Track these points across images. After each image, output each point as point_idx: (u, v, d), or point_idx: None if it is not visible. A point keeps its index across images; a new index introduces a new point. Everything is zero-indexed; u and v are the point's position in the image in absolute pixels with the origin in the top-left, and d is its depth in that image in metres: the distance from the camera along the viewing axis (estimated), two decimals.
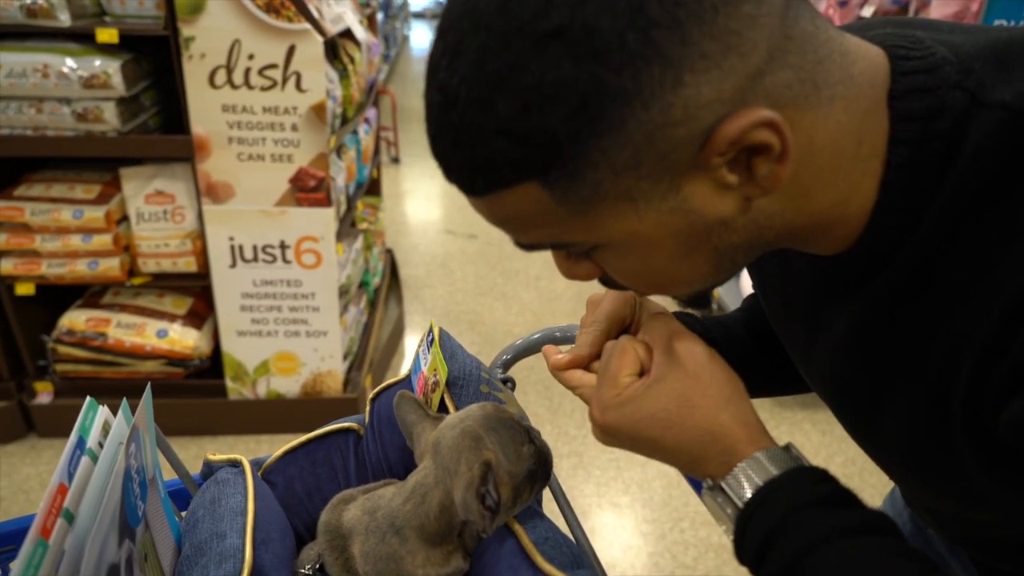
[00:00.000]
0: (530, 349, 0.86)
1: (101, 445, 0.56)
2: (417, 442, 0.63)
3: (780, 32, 0.40)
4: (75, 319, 2.18)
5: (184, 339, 2.21)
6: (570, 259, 0.51)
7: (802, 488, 0.47)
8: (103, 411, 0.58)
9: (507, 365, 0.84)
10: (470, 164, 0.42)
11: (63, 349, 2.19)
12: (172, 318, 2.23)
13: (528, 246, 0.49)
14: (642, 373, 0.54)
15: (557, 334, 0.84)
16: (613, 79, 0.38)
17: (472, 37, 0.39)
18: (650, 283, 0.50)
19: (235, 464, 0.71)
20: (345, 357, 2.37)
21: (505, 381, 0.81)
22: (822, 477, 0.48)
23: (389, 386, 0.78)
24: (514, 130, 0.39)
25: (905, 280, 0.46)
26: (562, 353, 0.63)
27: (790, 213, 0.45)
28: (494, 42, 0.38)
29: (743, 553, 0.48)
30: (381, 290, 3.02)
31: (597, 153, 0.40)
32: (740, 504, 0.48)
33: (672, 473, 2.25)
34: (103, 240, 2.07)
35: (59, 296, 2.25)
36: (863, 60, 0.44)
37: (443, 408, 0.70)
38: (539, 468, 0.60)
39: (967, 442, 0.44)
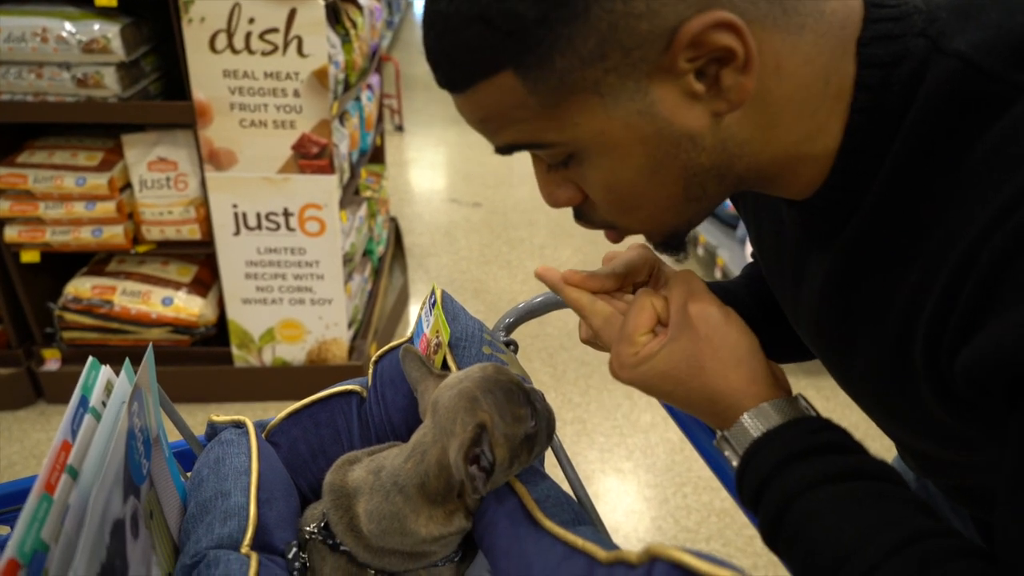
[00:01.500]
0: (533, 312, 0.85)
1: (104, 404, 0.56)
2: (421, 399, 0.63)
3: None
4: (81, 287, 2.19)
5: (189, 307, 2.22)
6: (551, 176, 0.52)
7: (800, 436, 0.48)
8: (106, 371, 0.58)
9: (510, 328, 0.84)
10: (453, 54, 0.45)
11: (69, 316, 2.21)
12: (177, 286, 2.24)
13: (507, 148, 0.50)
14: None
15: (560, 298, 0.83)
16: None
17: None
18: (623, 202, 0.50)
19: (239, 425, 0.71)
20: (350, 325, 2.37)
21: (508, 344, 0.81)
22: (823, 426, 0.49)
23: (392, 348, 0.78)
24: (491, 15, 0.42)
25: (870, 227, 0.47)
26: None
27: (758, 143, 0.47)
28: None
29: (744, 498, 0.50)
30: (385, 258, 3.01)
31: (564, 40, 0.42)
32: (741, 452, 0.50)
33: (675, 439, 2.27)
34: (107, 207, 2.06)
35: (65, 264, 2.26)
36: (836, 0, 0.45)
37: (445, 369, 0.70)
38: (539, 431, 0.60)
39: (930, 387, 0.45)
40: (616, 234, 0.57)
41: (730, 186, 0.49)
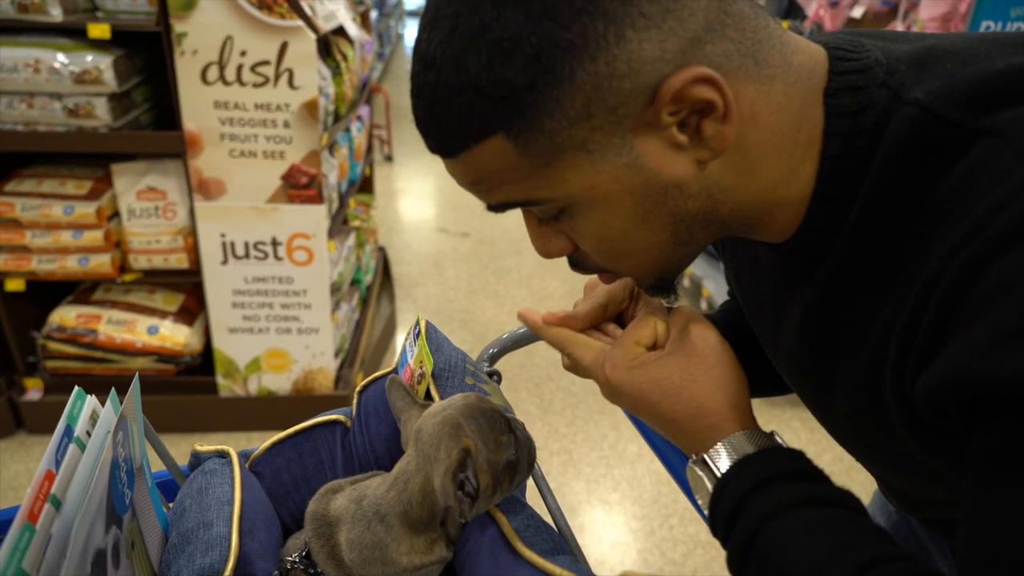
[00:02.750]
0: (517, 343, 0.87)
1: (89, 434, 0.57)
2: (404, 428, 0.64)
3: (718, 7, 0.44)
4: (65, 315, 2.18)
5: (175, 336, 2.21)
6: (543, 228, 0.54)
7: (776, 462, 0.50)
8: (91, 400, 0.59)
9: (493, 359, 0.85)
10: (445, 123, 0.47)
11: (53, 345, 2.19)
12: (163, 315, 2.23)
13: (499, 207, 0.52)
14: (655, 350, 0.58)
15: None
16: (562, 33, 0.42)
17: (447, 6, 0.45)
18: (615, 251, 0.52)
19: (223, 455, 0.71)
20: (337, 354, 2.37)
21: (491, 374, 0.82)
22: (794, 456, 0.51)
23: (376, 379, 0.79)
24: (481, 84, 0.44)
25: (841, 267, 0.50)
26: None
27: (740, 188, 0.49)
28: (465, 7, 0.44)
29: (716, 524, 0.51)
30: (373, 288, 3.02)
31: (552, 103, 0.44)
32: (717, 475, 0.51)
33: (661, 470, 2.27)
34: (94, 236, 2.07)
35: (50, 292, 2.25)
36: (802, 53, 0.48)
37: (429, 399, 0.71)
38: (520, 459, 0.60)
39: (899, 416, 0.47)
40: (610, 277, 0.59)
41: (716, 230, 0.52)
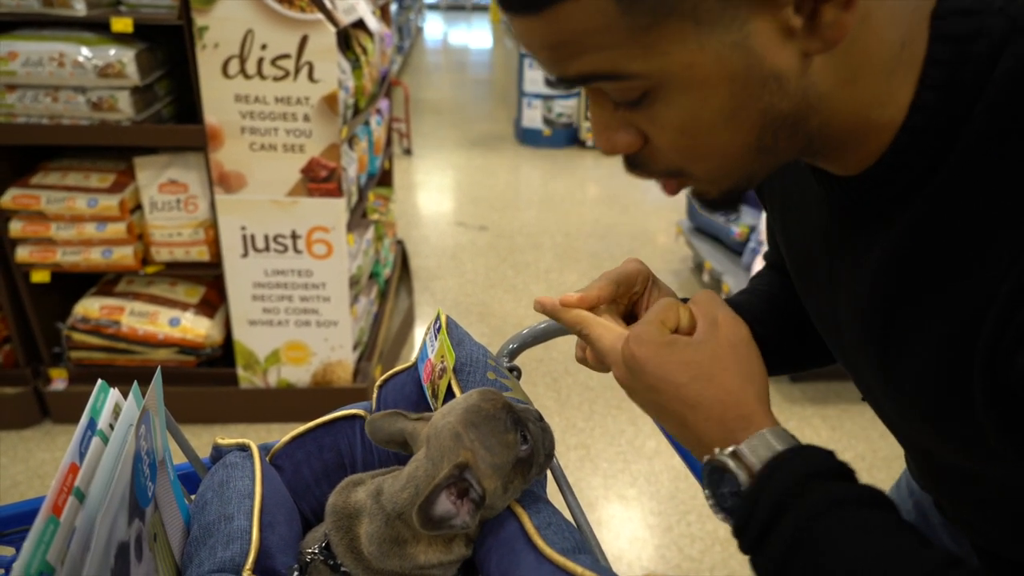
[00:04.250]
0: (537, 338, 0.86)
1: (112, 427, 0.57)
2: (413, 441, 0.63)
3: None
4: (89, 307, 2.21)
5: (196, 328, 2.23)
6: (614, 116, 0.48)
7: (815, 460, 0.48)
8: (114, 394, 0.59)
9: (513, 354, 0.85)
10: None
11: (77, 336, 2.22)
12: (184, 307, 2.25)
13: (576, 79, 0.46)
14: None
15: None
16: None
17: None
18: (694, 148, 0.47)
19: (244, 448, 0.72)
20: (355, 347, 2.38)
21: (511, 370, 0.81)
22: (831, 454, 0.49)
23: (396, 373, 0.79)
24: None
25: (936, 211, 0.45)
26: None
27: (835, 99, 0.45)
28: None
29: (749, 520, 0.48)
30: (392, 281, 3.03)
31: None
32: (754, 469, 0.48)
33: (679, 466, 2.26)
34: (117, 228, 2.09)
35: (74, 284, 2.28)
36: None
37: (450, 394, 0.71)
38: (536, 450, 0.60)
39: (982, 388, 0.43)
40: (676, 183, 0.53)
41: (800, 143, 0.47)
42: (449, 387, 0.71)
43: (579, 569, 0.49)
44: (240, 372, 2.31)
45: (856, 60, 0.44)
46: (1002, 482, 0.54)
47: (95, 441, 0.53)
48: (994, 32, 0.42)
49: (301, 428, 0.76)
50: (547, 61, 0.45)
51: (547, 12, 0.42)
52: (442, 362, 0.71)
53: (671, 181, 0.52)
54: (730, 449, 0.50)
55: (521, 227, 4.12)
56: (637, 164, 0.51)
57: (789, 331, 0.75)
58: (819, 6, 0.40)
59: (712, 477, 0.51)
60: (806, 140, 0.47)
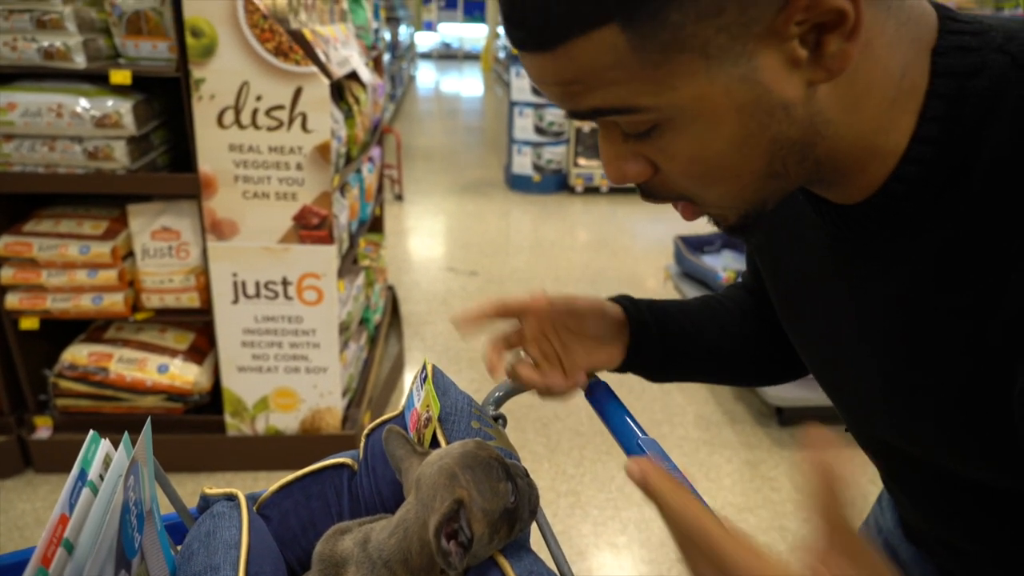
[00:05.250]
0: (522, 387, 0.87)
1: (102, 478, 0.58)
2: (405, 477, 0.65)
3: None
4: (77, 353, 2.20)
5: (184, 374, 2.23)
6: (624, 147, 0.49)
7: None
8: (105, 444, 0.60)
9: (499, 402, 0.86)
10: (551, 6, 0.42)
11: (64, 383, 2.21)
12: (173, 353, 2.25)
13: (589, 113, 0.47)
14: None
15: None
16: None
17: None
18: (707, 174, 0.48)
19: (231, 498, 0.72)
20: (344, 394, 2.38)
21: (496, 418, 0.82)
22: None
23: (383, 422, 0.80)
24: None
25: (954, 244, 0.46)
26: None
27: (841, 125, 0.46)
28: None
29: None
30: (382, 327, 3.04)
31: None
32: None
33: None
34: (108, 275, 2.10)
35: (62, 330, 2.28)
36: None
37: (435, 443, 0.72)
38: (520, 506, 0.61)
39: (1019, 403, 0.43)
40: (692, 209, 0.53)
41: (808, 169, 0.49)
42: (434, 436, 0.72)
43: None
44: (228, 419, 2.29)
45: (859, 87, 0.45)
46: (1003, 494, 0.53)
47: (85, 492, 0.54)
48: (994, 69, 0.43)
49: (289, 477, 0.77)
50: (559, 96, 0.46)
51: (559, 49, 0.43)
52: (427, 411, 0.73)
53: (688, 207, 0.53)
54: None
55: (511, 272, 4.16)
56: (649, 192, 0.52)
57: (765, 344, 0.78)
58: (823, 37, 0.42)
59: None
60: (814, 165, 0.48)
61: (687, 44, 0.42)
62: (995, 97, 0.43)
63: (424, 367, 0.77)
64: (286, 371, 2.25)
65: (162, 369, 2.21)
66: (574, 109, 0.47)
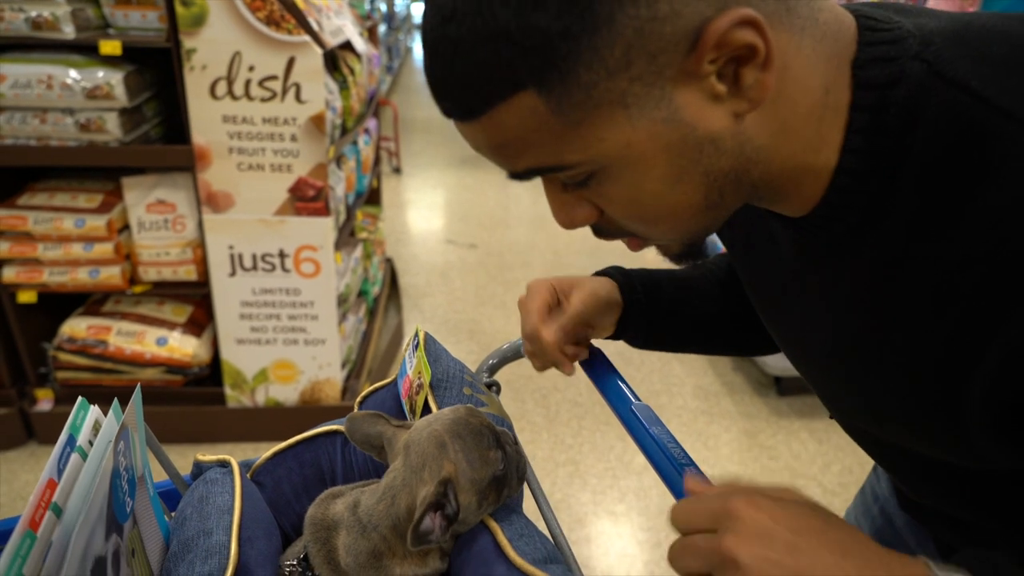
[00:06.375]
0: (517, 354, 0.87)
1: (91, 443, 0.58)
2: (389, 447, 0.64)
3: None
4: (76, 327, 2.21)
5: (183, 347, 2.23)
6: (567, 196, 0.51)
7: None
8: (94, 410, 0.60)
9: (493, 370, 0.86)
10: (467, 79, 0.43)
11: (64, 356, 2.22)
12: (172, 326, 2.25)
13: (524, 173, 0.48)
14: None
15: None
16: None
17: None
18: (645, 215, 0.50)
19: (224, 464, 0.72)
20: (343, 365, 2.38)
21: (490, 385, 0.83)
22: None
23: (377, 389, 0.80)
24: (509, 32, 0.40)
25: (898, 240, 0.47)
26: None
27: (771, 149, 0.47)
28: None
29: None
30: (380, 299, 3.04)
31: (589, 52, 0.41)
32: None
33: None
34: (104, 248, 2.09)
35: (60, 304, 2.28)
36: (828, 11, 0.46)
37: (427, 410, 0.72)
38: (508, 473, 0.61)
39: (981, 408, 0.44)
40: (638, 243, 0.56)
41: (744, 194, 0.50)
42: (426, 403, 0.72)
43: None
44: (228, 391, 2.30)
45: (784, 111, 0.46)
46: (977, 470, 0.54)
47: (74, 457, 0.54)
48: (913, 78, 0.44)
49: (282, 444, 0.77)
50: (495, 159, 0.48)
51: (484, 118, 0.45)
52: (419, 378, 0.73)
53: (633, 240, 0.55)
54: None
55: (511, 245, 4.14)
56: (601, 231, 0.54)
57: (741, 316, 0.79)
58: (739, 70, 0.43)
59: None
60: (751, 189, 0.49)
61: (604, 99, 0.43)
62: (915, 107, 0.44)
63: (416, 334, 0.77)
64: (285, 343, 2.25)
65: (161, 342, 2.21)
66: (512, 170, 0.49)
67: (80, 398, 0.59)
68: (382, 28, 7.15)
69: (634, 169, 0.46)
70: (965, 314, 0.43)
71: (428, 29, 0.44)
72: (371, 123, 2.84)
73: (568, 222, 0.52)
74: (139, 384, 0.64)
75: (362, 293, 2.76)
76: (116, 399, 0.62)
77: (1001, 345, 0.41)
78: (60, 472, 0.52)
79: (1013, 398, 0.42)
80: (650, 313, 0.79)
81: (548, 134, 0.44)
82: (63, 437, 0.54)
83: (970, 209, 0.42)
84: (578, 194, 0.51)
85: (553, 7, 0.40)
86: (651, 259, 0.63)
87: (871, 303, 0.50)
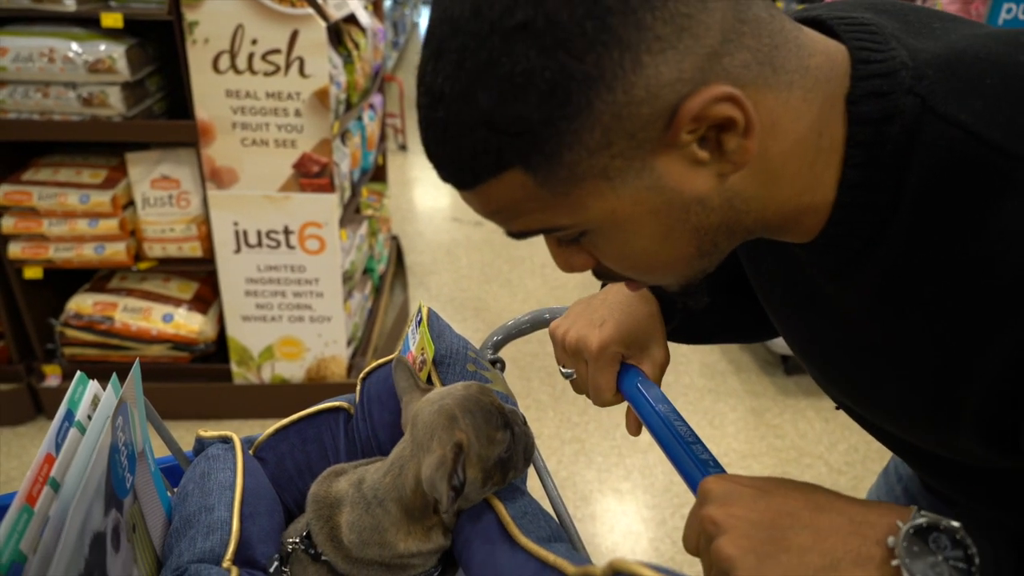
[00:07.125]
0: (521, 330, 0.86)
1: (90, 418, 0.57)
2: (405, 410, 0.64)
3: (733, 16, 0.42)
4: (82, 303, 2.21)
5: (189, 323, 2.23)
6: (563, 248, 0.53)
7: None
8: (93, 385, 0.59)
9: (497, 346, 0.85)
10: (458, 157, 0.45)
11: (71, 332, 2.22)
12: (178, 302, 2.25)
13: (520, 234, 0.51)
14: None
15: (547, 316, 0.84)
16: (576, 65, 0.40)
17: (451, 40, 0.42)
18: (638, 267, 0.51)
19: (226, 440, 0.72)
20: (349, 342, 2.38)
21: (494, 362, 0.82)
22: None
23: (379, 366, 0.79)
24: (494, 119, 0.42)
25: (898, 267, 0.48)
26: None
27: (763, 199, 0.48)
28: (471, 41, 0.41)
29: None
30: (386, 276, 3.03)
31: (570, 135, 0.42)
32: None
33: None
34: (109, 224, 2.09)
35: (67, 280, 2.28)
36: (819, 55, 0.46)
37: (431, 385, 0.71)
38: (515, 455, 0.60)
39: (977, 423, 0.45)
40: (636, 285, 0.59)
41: (740, 238, 0.51)
42: (429, 379, 0.71)
43: (551, 557, 0.50)
44: (234, 368, 2.31)
45: (774, 163, 0.46)
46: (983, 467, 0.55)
47: (72, 432, 0.53)
48: (907, 112, 0.44)
49: (284, 421, 0.76)
50: (493, 221, 0.51)
51: (477, 189, 0.47)
52: (423, 354, 0.72)
53: (632, 283, 0.58)
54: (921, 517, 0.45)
55: None
56: (600, 275, 0.56)
57: (748, 305, 0.77)
58: (721, 136, 0.43)
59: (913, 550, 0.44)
60: (747, 233, 0.50)
61: (587, 174, 0.44)
62: (909, 143, 0.44)
63: (420, 310, 0.76)
64: (290, 320, 2.25)
65: (167, 318, 2.21)
66: (508, 230, 0.51)
67: (79, 373, 0.58)
68: (387, 2, 7.07)
69: (622, 230, 0.48)
70: (960, 339, 0.44)
71: (421, 106, 0.46)
72: (376, 99, 2.82)
73: (567, 268, 0.55)
74: (137, 359, 0.63)
75: (367, 270, 2.75)
76: (115, 374, 0.61)
77: (993, 374, 0.42)
78: (58, 447, 0.51)
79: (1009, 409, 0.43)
80: (689, 332, 0.79)
81: (537, 203, 0.47)
82: (61, 411, 0.54)
83: (964, 240, 0.43)
84: (575, 246, 0.53)
85: (533, 97, 0.41)
86: None
87: (872, 323, 0.52)
